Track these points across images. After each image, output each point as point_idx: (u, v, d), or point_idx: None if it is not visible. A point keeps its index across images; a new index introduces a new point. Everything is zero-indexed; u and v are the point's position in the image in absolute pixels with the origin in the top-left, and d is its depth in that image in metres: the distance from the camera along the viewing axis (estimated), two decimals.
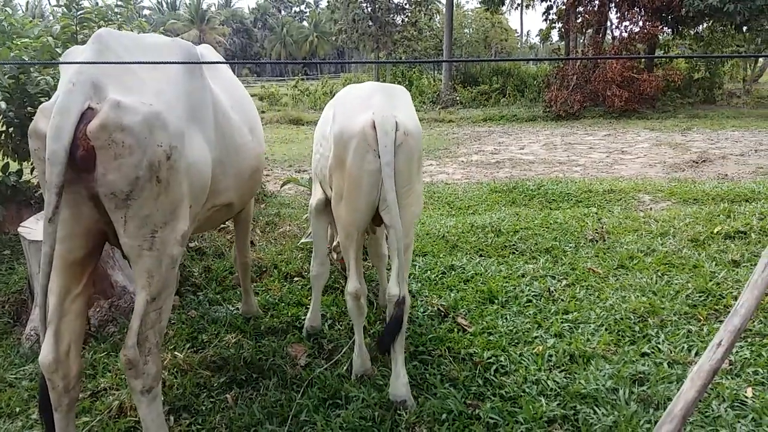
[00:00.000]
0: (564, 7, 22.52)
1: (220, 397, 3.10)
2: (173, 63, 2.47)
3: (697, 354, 3.33)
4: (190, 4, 64.73)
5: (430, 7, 34.39)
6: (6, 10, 5.35)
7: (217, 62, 3.29)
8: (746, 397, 2.93)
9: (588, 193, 7.67)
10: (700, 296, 4.11)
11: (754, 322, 3.68)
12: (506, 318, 3.94)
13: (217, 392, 3.15)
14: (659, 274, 4.55)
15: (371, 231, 3.84)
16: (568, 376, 3.22)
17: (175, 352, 3.46)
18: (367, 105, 2.90)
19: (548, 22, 26.43)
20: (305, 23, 73.58)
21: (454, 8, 28.01)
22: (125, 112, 2.05)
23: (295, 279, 4.71)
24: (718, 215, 5.93)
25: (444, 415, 2.86)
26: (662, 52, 22.97)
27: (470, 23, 46.27)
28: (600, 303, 4.10)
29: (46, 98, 4.54)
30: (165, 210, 2.21)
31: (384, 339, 2.96)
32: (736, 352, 3.34)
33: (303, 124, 19.99)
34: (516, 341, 3.63)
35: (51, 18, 5.90)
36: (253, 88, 35.15)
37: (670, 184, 8.21)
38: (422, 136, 3.04)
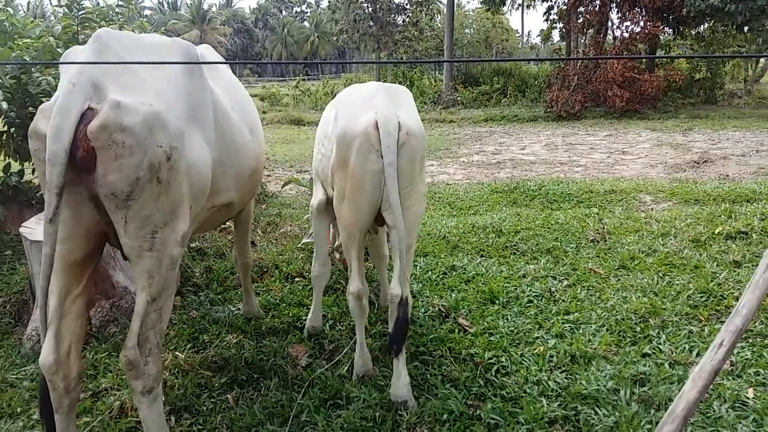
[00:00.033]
0: (565, 7, 22.51)
1: (221, 398, 3.10)
2: (173, 63, 2.46)
3: (698, 355, 3.33)
4: (191, 4, 64.79)
5: (431, 7, 34.40)
6: (7, 10, 5.36)
7: (218, 62, 3.30)
8: (747, 398, 2.92)
9: (589, 194, 7.67)
10: (701, 297, 4.11)
11: (755, 322, 3.67)
12: (507, 318, 3.94)
13: (218, 392, 3.15)
14: (660, 274, 4.55)
15: (373, 231, 3.84)
16: (569, 376, 3.22)
17: (177, 353, 3.46)
18: (370, 105, 2.90)
19: (549, 22, 26.43)
20: (306, 23, 73.61)
21: (455, 8, 27.99)
22: (125, 112, 2.05)
23: (296, 279, 4.71)
24: (720, 216, 5.93)
25: (445, 416, 2.86)
26: (663, 52, 22.96)
27: (471, 23, 46.31)
28: (601, 303, 4.10)
29: (48, 98, 4.53)
30: (165, 210, 2.21)
31: (396, 340, 2.96)
32: (738, 352, 3.34)
33: (304, 125, 19.99)
34: (517, 342, 3.63)
35: (52, 18, 5.89)
36: (255, 88, 35.20)
37: (671, 184, 8.20)
38: (425, 137, 3.04)
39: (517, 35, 57.07)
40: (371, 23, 31.83)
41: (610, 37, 21.11)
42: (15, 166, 5.44)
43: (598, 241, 5.42)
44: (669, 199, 7.32)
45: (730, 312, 2.17)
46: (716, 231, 5.39)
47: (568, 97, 19.08)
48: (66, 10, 5.38)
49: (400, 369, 2.99)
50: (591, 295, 4.27)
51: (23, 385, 3.24)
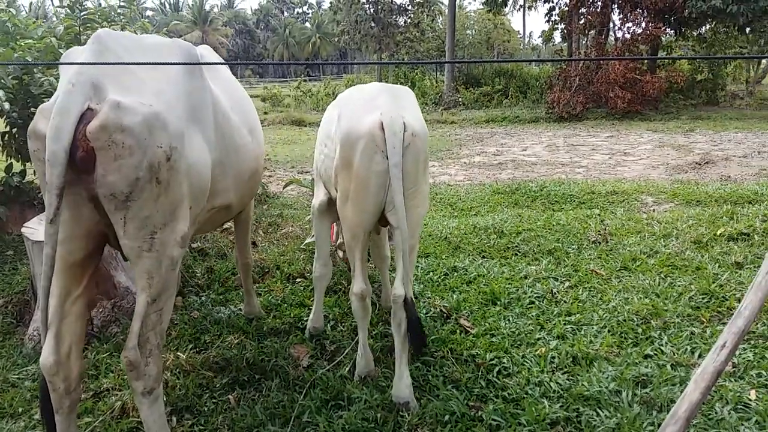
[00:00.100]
0: (567, 8, 22.52)
1: (222, 398, 3.10)
2: (173, 64, 2.46)
3: (700, 356, 3.33)
4: (192, 5, 64.88)
5: (432, 8, 34.40)
6: (10, 11, 5.36)
7: (218, 63, 3.30)
8: (750, 400, 2.92)
9: (591, 195, 7.66)
10: (703, 298, 4.10)
11: (757, 324, 3.67)
12: (509, 320, 3.93)
13: (220, 393, 3.15)
14: (662, 275, 4.54)
15: (375, 232, 3.84)
16: (570, 378, 3.21)
17: (178, 353, 3.46)
18: (374, 106, 2.89)
19: (551, 23, 26.43)
20: (308, 24, 73.66)
21: (457, 9, 28.01)
22: (125, 112, 2.05)
23: (298, 280, 4.71)
24: (721, 217, 5.92)
25: (446, 417, 2.86)
26: (665, 53, 22.94)
27: (473, 24, 46.30)
28: (603, 305, 4.09)
29: (50, 99, 4.55)
30: (165, 211, 2.21)
31: (416, 339, 2.97)
32: (740, 354, 3.33)
33: (305, 125, 20.00)
34: (519, 343, 3.63)
35: (54, 19, 5.91)
36: (256, 89, 35.23)
37: (672, 185, 8.20)
38: (428, 137, 3.04)
39: (518, 36, 57.11)
40: (373, 24, 31.81)
41: (612, 39, 21.13)
42: (17, 167, 5.45)
43: (599, 243, 5.41)
44: (671, 201, 7.32)
45: (732, 313, 2.17)
46: (718, 232, 5.38)
47: (569, 98, 19.08)
48: (68, 10, 5.39)
49: (401, 370, 2.99)
50: (592, 296, 4.27)
51: (25, 385, 3.24)
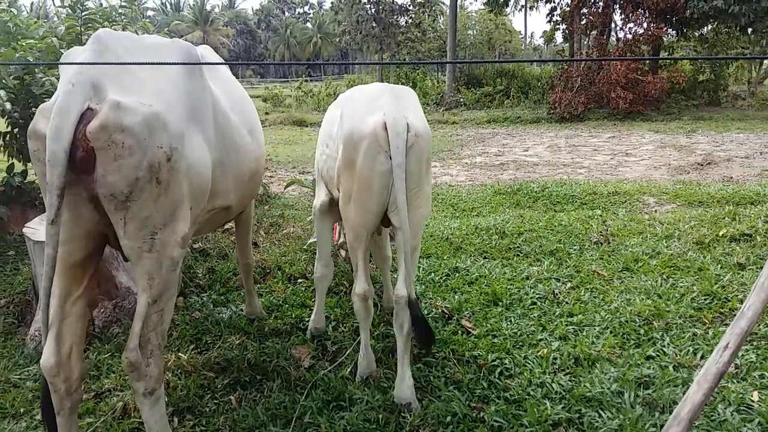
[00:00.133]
0: (568, 8, 22.51)
1: (224, 399, 3.09)
2: (173, 64, 2.46)
3: (702, 357, 3.32)
4: (194, 5, 64.95)
5: (433, 8, 34.37)
6: (11, 11, 5.37)
7: (219, 63, 3.30)
8: (752, 401, 2.91)
9: (592, 196, 7.66)
10: (705, 299, 4.09)
11: (760, 325, 3.66)
12: (511, 320, 3.93)
13: (221, 394, 3.14)
14: (664, 276, 4.53)
15: (377, 232, 3.83)
16: (572, 379, 3.20)
17: (179, 354, 3.46)
18: (377, 106, 2.89)
19: (552, 23, 26.41)
20: (309, 24, 73.68)
21: (458, 10, 28.01)
22: (125, 112, 2.04)
23: (299, 280, 4.71)
24: (724, 218, 5.91)
25: (448, 418, 2.85)
26: (667, 54, 22.92)
27: (474, 25, 46.31)
28: (605, 306, 4.08)
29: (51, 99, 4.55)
30: (165, 211, 2.20)
31: (424, 338, 2.97)
32: (742, 355, 3.32)
33: (307, 126, 20.00)
34: (520, 344, 3.62)
35: (55, 19, 5.93)
36: (257, 89, 35.25)
37: (674, 186, 8.19)
38: (431, 138, 3.03)
39: (520, 37, 57.07)
40: (374, 24, 31.79)
41: (614, 39, 21.11)
42: (18, 167, 5.45)
43: (601, 243, 5.40)
44: (672, 201, 7.31)
45: (734, 315, 2.17)
46: (720, 233, 5.37)
47: (571, 99, 19.08)
48: (69, 10, 5.39)
49: (403, 371, 2.98)
50: (594, 297, 4.26)
51: (26, 385, 3.24)
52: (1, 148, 5.33)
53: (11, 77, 4.70)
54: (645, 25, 19.53)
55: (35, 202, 5.38)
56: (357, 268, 3.10)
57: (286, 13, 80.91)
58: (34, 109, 4.82)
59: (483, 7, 31.45)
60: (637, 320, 3.83)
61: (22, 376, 3.33)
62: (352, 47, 36.61)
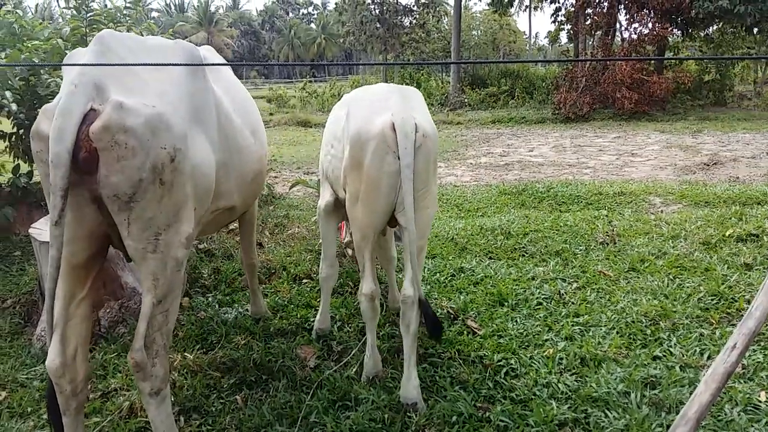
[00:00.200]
0: (573, 9, 22.46)
1: (230, 398, 3.10)
2: (176, 65, 2.46)
3: (709, 357, 3.30)
4: (198, 6, 65.13)
5: (438, 9, 34.37)
6: (16, 12, 5.39)
7: (222, 64, 3.30)
8: (759, 401, 2.90)
9: (598, 196, 7.64)
10: (712, 299, 4.08)
11: (767, 325, 3.64)
12: (516, 321, 3.92)
13: (227, 393, 3.15)
14: (671, 277, 4.52)
15: (382, 233, 3.83)
16: (579, 379, 3.19)
17: (185, 353, 3.47)
18: (385, 106, 2.88)
19: (557, 24, 26.33)
20: (313, 25, 73.79)
21: (463, 10, 28.01)
22: (128, 113, 2.04)
23: (304, 281, 4.71)
24: (730, 218, 5.89)
25: (454, 418, 2.85)
26: (672, 54, 22.85)
27: (478, 25, 46.32)
28: (611, 306, 4.07)
29: None
30: (168, 212, 2.20)
31: (433, 331, 3.01)
32: (749, 355, 3.30)
33: (311, 126, 20.01)
34: (526, 344, 3.61)
35: (60, 20, 5.93)
36: (262, 90, 35.27)
37: (681, 186, 8.16)
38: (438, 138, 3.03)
39: (524, 37, 57.02)
40: (378, 25, 31.80)
41: (619, 39, 21.04)
42: (24, 168, 5.47)
43: (607, 244, 5.39)
44: (679, 202, 7.28)
45: (741, 315, 2.16)
46: (727, 233, 5.35)
47: (576, 99, 19.03)
48: (74, 12, 5.41)
49: (409, 371, 2.98)
50: (601, 297, 4.25)
51: (33, 385, 3.25)
52: (7, 149, 5.36)
53: (17, 78, 4.72)
54: (650, 25, 19.44)
55: (41, 203, 5.39)
56: (364, 268, 3.09)
57: (290, 14, 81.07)
58: (39, 110, 4.84)
59: (487, 7, 31.39)
60: (644, 320, 3.82)
61: (29, 376, 3.34)
62: (356, 48, 36.67)
